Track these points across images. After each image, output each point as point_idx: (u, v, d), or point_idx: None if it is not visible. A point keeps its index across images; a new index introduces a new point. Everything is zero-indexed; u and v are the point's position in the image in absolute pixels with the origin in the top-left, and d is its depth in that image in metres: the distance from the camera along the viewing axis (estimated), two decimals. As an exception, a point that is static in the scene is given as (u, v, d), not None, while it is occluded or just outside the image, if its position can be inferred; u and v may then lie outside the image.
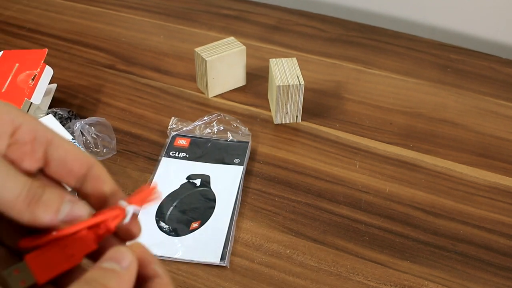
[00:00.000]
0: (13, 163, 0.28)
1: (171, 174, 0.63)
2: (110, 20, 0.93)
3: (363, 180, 0.64)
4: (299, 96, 0.69)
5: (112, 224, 0.27)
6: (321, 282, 0.53)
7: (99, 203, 0.29)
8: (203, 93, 0.77)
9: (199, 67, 0.74)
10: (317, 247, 0.56)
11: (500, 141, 0.70)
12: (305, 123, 0.72)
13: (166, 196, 0.61)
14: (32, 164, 0.29)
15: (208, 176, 0.63)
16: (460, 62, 0.84)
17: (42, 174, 0.30)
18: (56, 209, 0.26)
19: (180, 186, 0.62)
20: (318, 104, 0.75)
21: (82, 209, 0.27)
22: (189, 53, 0.84)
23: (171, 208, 0.59)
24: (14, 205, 0.26)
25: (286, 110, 0.70)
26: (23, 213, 0.26)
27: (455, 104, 0.76)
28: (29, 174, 0.29)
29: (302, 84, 0.68)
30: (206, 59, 0.72)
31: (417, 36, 0.90)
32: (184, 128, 0.69)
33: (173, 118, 0.70)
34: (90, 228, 0.27)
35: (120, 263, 0.26)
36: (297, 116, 0.71)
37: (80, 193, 0.30)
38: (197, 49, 0.73)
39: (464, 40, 0.94)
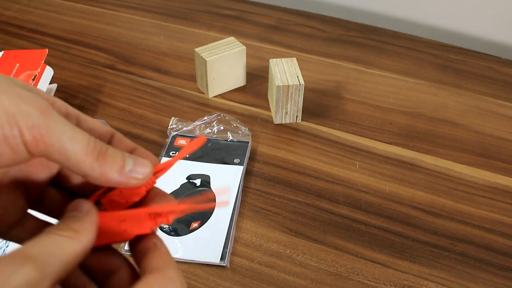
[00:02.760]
0: None
1: (171, 174, 0.63)
2: (110, 20, 0.93)
3: (363, 180, 0.64)
4: (299, 96, 0.69)
5: (171, 218, 0.29)
6: (321, 282, 0.53)
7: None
8: (203, 93, 0.77)
9: (199, 67, 0.75)
10: (317, 247, 0.56)
11: (500, 141, 0.70)
12: (305, 123, 0.72)
13: (166, 196, 0.61)
14: None
15: (208, 176, 0.63)
16: (460, 62, 0.84)
17: None
18: (122, 163, 0.28)
19: (180, 186, 0.62)
20: (318, 104, 0.75)
21: (145, 164, 0.29)
22: (189, 53, 0.84)
23: (171, 208, 0.59)
24: (84, 158, 0.27)
25: (286, 110, 0.71)
26: (93, 167, 0.27)
27: (455, 104, 0.76)
28: None
29: (302, 84, 0.68)
30: (206, 59, 0.72)
31: (417, 36, 0.91)
32: (184, 128, 0.69)
33: (173, 118, 0.70)
34: (151, 214, 0.29)
35: (79, 210, 0.28)
36: (297, 116, 0.71)
37: None
38: (197, 49, 0.74)
39: (464, 40, 0.94)
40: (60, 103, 0.30)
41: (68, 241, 0.25)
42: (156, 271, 0.27)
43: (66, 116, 0.30)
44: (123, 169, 0.28)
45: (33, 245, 0.24)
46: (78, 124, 0.30)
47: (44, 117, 0.26)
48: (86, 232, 0.26)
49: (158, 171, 0.30)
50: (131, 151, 0.31)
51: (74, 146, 0.26)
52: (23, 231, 0.31)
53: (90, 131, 0.30)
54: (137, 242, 0.29)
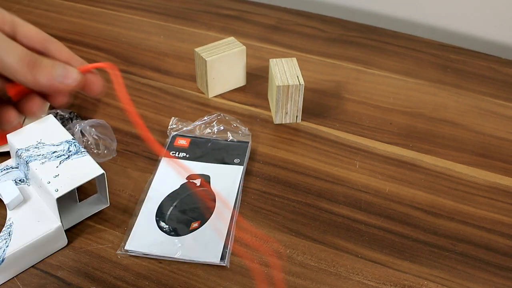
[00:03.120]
0: None
1: (171, 174, 0.64)
2: (110, 20, 0.93)
3: (363, 180, 0.64)
4: (299, 96, 0.69)
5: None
6: (321, 282, 0.53)
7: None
8: (203, 93, 0.77)
9: (199, 67, 0.75)
10: (317, 247, 0.56)
11: (500, 141, 0.70)
12: (305, 123, 0.72)
13: (166, 196, 0.61)
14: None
15: (208, 176, 0.63)
16: (460, 62, 0.84)
17: None
18: (52, 71, 0.34)
19: (180, 186, 0.62)
20: (318, 104, 0.75)
21: (73, 71, 0.37)
22: (189, 53, 0.84)
23: (171, 208, 0.60)
24: (18, 69, 0.32)
25: (286, 110, 0.71)
26: (26, 75, 0.32)
27: (455, 104, 0.76)
28: None
29: (302, 84, 0.68)
30: (206, 59, 0.72)
31: (417, 36, 0.91)
32: (184, 128, 0.69)
33: (173, 118, 0.70)
34: None
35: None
36: (297, 116, 0.71)
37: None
38: (197, 49, 0.74)
39: (463, 40, 0.94)
40: None
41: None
42: None
43: (2, 23, 0.35)
44: (52, 76, 0.33)
45: None
46: (14, 29, 0.35)
47: None
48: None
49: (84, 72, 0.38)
50: (68, 60, 0.37)
51: (10, 57, 0.31)
52: None
53: (26, 37, 0.35)
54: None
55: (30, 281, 0.53)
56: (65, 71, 0.35)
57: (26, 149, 0.55)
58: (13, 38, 0.36)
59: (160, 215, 0.59)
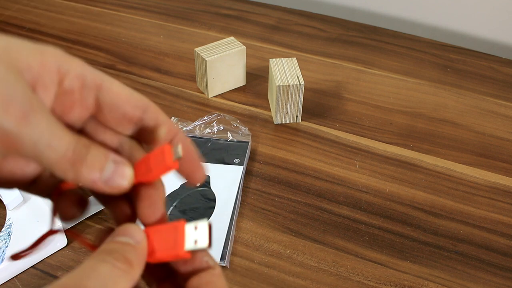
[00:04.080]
0: (62, 114, 0.28)
1: (171, 174, 0.63)
2: (110, 20, 0.93)
3: (363, 180, 0.64)
4: (299, 96, 0.69)
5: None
6: (321, 282, 0.53)
7: (167, 141, 0.28)
8: (203, 93, 0.77)
9: (199, 67, 0.74)
10: (317, 247, 0.56)
11: (500, 141, 0.70)
12: (305, 123, 0.72)
13: (166, 196, 0.61)
14: (82, 112, 0.28)
15: (208, 176, 0.63)
16: (460, 62, 0.84)
17: (95, 121, 0.29)
18: (99, 169, 0.26)
19: (180, 186, 0.62)
20: (318, 104, 0.75)
21: (126, 170, 0.27)
22: (189, 53, 0.84)
23: (171, 208, 0.59)
24: (59, 165, 0.25)
25: (286, 110, 0.70)
26: (67, 171, 0.25)
27: (455, 104, 0.76)
28: (80, 123, 0.29)
29: (302, 84, 0.68)
30: (206, 59, 0.72)
31: (417, 36, 0.90)
32: (184, 128, 0.69)
33: (173, 118, 0.70)
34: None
35: (133, 238, 0.26)
36: (297, 116, 0.71)
37: (139, 140, 0.29)
38: (197, 49, 0.73)
39: (464, 40, 0.94)
40: (75, 73, 0.27)
41: (122, 275, 0.24)
42: None
43: (81, 89, 0.27)
44: (98, 178, 0.26)
45: (91, 277, 0.24)
46: (99, 97, 0.28)
47: (19, 126, 0.24)
48: (138, 266, 0.25)
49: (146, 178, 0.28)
50: (170, 139, 0.28)
51: (51, 154, 0.25)
52: (39, 187, 0.30)
53: (111, 107, 0.28)
54: (186, 261, 0.28)
55: (30, 281, 0.53)
56: (114, 171, 0.26)
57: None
58: (96, 109, 0.28)
59: (160, 215, 0.59)
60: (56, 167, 0.25)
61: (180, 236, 0.27)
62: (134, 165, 0.28)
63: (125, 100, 0.28)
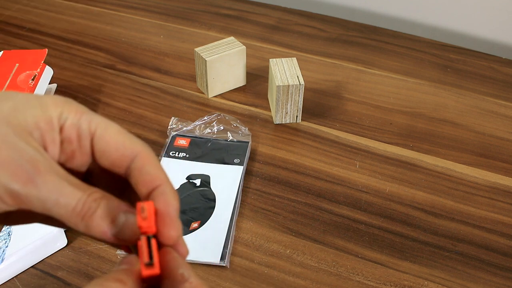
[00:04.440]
0: (66, 162, 0.29)
1: (171, 174, 0.63)
2: (110, 20, 0.93)
3: (363, 180, 0.64)
4: (299, 96, 0.69)
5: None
6: (321, 282, 0.53)
7: (143, 196, 0.29)
8: (203, 93, 0.77)
9: (199, 67, 0.74)
10: (317, 247, 0.56)
11: (500, 141, 0.70)
12: (305, 123, 0.72)
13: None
14: (83, 159, 0.29)
15: (208, 176, 0.63)
16: (460, 62, 0.84)
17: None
18: (109, 223, 0.27)
19: (180, 186, 0.62)
20: (318, 104, 0.75)
21: (133, 231, 0.27)
22: (189, 53, 0.84)
23: (171, 208, 0.59)
24: (69, 219, 0.27)
25: (286, 110, 0.70)
26: (78, 225, 0.27)
27: (455, 104, 0.76)
28: (85, 167, 0.30)
29: (302, 84, 0.68)
30: (206, 59, 0.72)
31: (417, 36, 0.90)
32: (184, 128, 0.69)
33: (173, 118, 0.70)
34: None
35: (128, 263, 0.27)
36: (297, 116, 0.71)
37: (131, 182, 0.29)
38: (197, 49, 0.73)
39: (464, 40, 0.94)
40: (71, 123, 0.28)
41: None
42: None
43: (78, 138, 0.28)
44: (107, 232, 0.27)
45: None
46: (93, 144, 0.29)
47: (26, 189, 0.26)
48: (132, 283, 0.26)
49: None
50: (150, 191, 0.28)
51: (59, 210, 0.26)
52: (56, 222, 0.30)
53: (103, 154, 0.29)
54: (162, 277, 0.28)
55: (30, 281, 0.53)
56: (124, 225, 0.27)
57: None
58: (93, 156, 0.29)
59: (160, 215, 0.59)
60: (66, 221, 0.27)
61: (140, 252, 0.27)
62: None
63: (114, 149, 0.29)
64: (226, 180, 0.63)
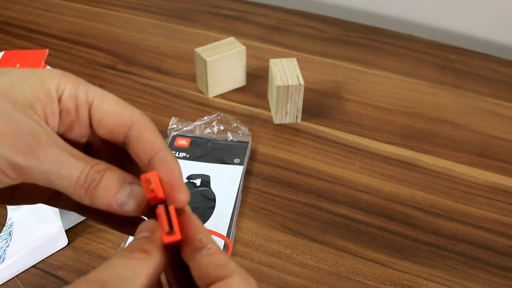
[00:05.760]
0: (65, 133, 0.29)
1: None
2: (111, 21, 0.93)
3: (363, 180, 0.64)
4: (299, 96, 0.69)
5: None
6: (321, 282, 0.53)
7: (143, 163, 0.28)
8: (203, 93, 0.77)
9: (199, 67, 0.75)
10: (317, 247, 0.57)
11: (499, 141, 0.70)
12: (305, 123, 0.72)
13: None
14: (82, 129, 0.29)
15: (208, 176, 0.63)
16: (460, 62, 0.85)
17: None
18: (114, 194, 0.27)
19: (180, 186, 0.62)
20: (318, 104, 0.76)
21: (141, 191, 0.27)
22: (189, 53, 0.84)
23: (172, 208, 0.60)
24: (72, 191, 0.26)
25: (286, 110, 0.71)
26: (82, 197, 0.26)
27: (454, 104, 0.76)
28: (85, 138, 0.29)
29: (302, 85, 0.68)
30: (206, 59, 0.72)
31: (417, 36, 0.91)
32: (184, 128, 0.69)
33: (173, 118, 0.70)
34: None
35: (148, 230, 0.27)
36: (297, 116, 0.72)
37: (130, 154, 0.29)
38: (197, 49, 0.74)
39: (463, 40, 0.94)
40: (68, 93, 0.28)
41: (140, 264, 0.25)
42: (216, 284, 0.25)
43: (75, 108, 0.28)
44: (113, 203, 0.27)
45: (106, 270, 0.24)
46: (91, 114, 0.29)
47: (27, 160, 0.25)
48: (157, 252, 0.26)
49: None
50: (149, 158, 0.28)
51: (62, 182, 0.26)
52: (60, 201, 0.31)
53: (100, 124, 0.29)
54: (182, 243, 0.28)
55: (31, 280, 0.53)
56: (127, 196, 0.27)
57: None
58: (87, 125, 0.29)
59: (160, 215, 0.59)
60: (70, 194, 0.26)
61: (160, 221, 0.27)
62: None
63: (112, 117, 0.29)
64: (226, 180, 0.63)
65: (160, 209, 0.27)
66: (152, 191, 0.27)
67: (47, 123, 0.28)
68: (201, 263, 0.26)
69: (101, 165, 0.27)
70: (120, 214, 0.27)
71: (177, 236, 0.27)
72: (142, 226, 0.27)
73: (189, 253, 0.27)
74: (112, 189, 0.27)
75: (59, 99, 0.28)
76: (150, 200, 0.27)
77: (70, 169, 0.26)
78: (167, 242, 0.27)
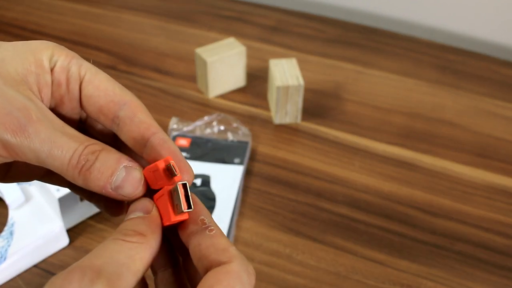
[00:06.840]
0: (56, 107, 0.27)
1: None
2: (111, 22, 0.94)
3: (362, 180, 0.64)
4: (298, 96, 0.70)
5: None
6: (321, 281, 0.54)
7: (137, 144, 0.27)
8: (203, 93, 0.77)
9: (200, 67, 0.75)
10: (316, 246, 0.57)
11: (498, 141, 0.71)
12: (304, 123, 0.73)
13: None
14: (72, 104, 0.28)
15: (208, 176, 0.64)
16: (459, 63, 0.85)
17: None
18: (109, 177, 0.25)
19: (181, 186, 0.62)
20: (318, 104, 0.76)
21: (134, 184, 0.26)
22: (189, 54, 0.85)
23: (172, 207, 0.60)
24: (65, 172, 0.25)
25: (286, 111, 0.71)
26: (75, 179, 0.25)
27: (453, 104, 0.77)
28: (77, 115, 0.28)
29: (302, 85, 0.68)
30: (206, 60, 0.72)
31: (416, 37, 0.91)
32: (185, 128, 0.70)
33: (173, 118, 0.71)
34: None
35: (143, 210, 0.26)
36: (297, 117, 0.72)
37: (118, 134, 0.28)
38: (198, 50, 0.74)
39: (462, 41, 0.95)
40: (60, 66, 0.27)
41: (136, 248, 0.24)
42: (215, 268, 0.24)
43: (67, 83, 0.27)
44: (107, 186, 0.25)
45: (100, 255, 0.23)
46: (81, 88, 0.27)
47: (17, 138, 0.24)
48: (153, 234, 0.25)
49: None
50: (145, 139, 0.27)
51: (53, 162, 0.25)
52: (55, 178, 0.30)
53: (90, 101, 0.27)
54: (181, 225, 0.26)
55: (32, 280, 0.53)
56: (125, 179, 0.25)
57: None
58: (77, 100, 0.28)
59: (161, 214, 0.59)
60: (63, 174, 0.25)
61: (170, 201, 0.26)
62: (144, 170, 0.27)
63: (103, 94, 0.27)
64: (226, 180, 0.63)
65: (180, 188, 0.25)
66: (178, 175, 0.26)
67: (40, 95, 0.27)
68: (202, 244, 0.25)
69: (96, 145, 0.25)
70: (115, 199, 0.26)
71: (185, 215, 0.26)
72: (135, 205, 0.26)
73: (189, 233, 0.26)
74: (107, 171, 0.25)
75: (51, 70, 0.27)
76: (157, 185, 0.26)
77: (62, 148, 0.25)
78: (173, 222, 0.26)
